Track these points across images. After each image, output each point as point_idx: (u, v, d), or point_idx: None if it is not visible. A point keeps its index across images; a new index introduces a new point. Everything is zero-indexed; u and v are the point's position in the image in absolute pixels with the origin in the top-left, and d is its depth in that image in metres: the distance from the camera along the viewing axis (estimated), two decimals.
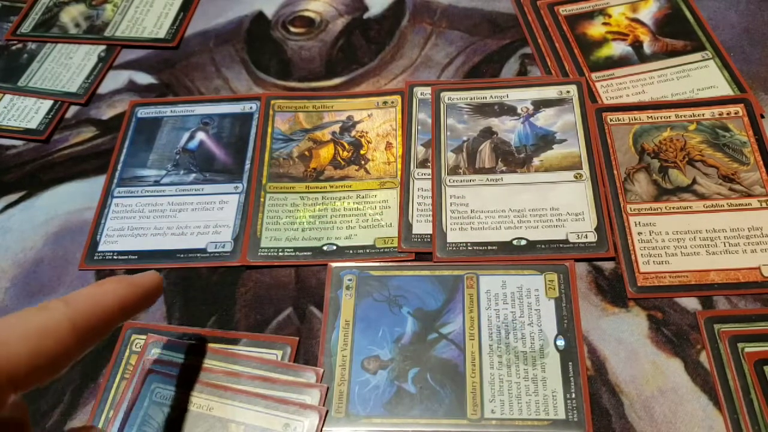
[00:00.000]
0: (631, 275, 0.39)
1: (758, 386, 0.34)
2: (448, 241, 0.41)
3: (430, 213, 0.43)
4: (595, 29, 0.52)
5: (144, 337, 0.39)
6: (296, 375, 0.37)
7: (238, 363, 0.37)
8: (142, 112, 0.51)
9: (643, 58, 0.49)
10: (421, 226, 0.42)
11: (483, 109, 0.47)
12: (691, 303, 0.38)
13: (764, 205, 0.41)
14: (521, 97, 0.48)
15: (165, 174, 0.47)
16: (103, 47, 0.56)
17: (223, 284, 0.42)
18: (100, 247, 0.44)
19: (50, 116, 0.52)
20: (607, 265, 0.40)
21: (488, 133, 0.46)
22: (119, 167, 0.48)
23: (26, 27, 0.58)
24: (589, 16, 0.53)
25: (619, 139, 0.45)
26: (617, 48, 0.50)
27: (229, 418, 0.35)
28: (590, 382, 0.36)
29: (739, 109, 0.45)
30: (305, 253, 0.42)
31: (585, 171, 0.43)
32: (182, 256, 0.43)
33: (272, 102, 0.50)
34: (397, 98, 0.49)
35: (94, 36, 0.57)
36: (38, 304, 0.24)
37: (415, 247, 0.42)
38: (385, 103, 0.49)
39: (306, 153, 0.47)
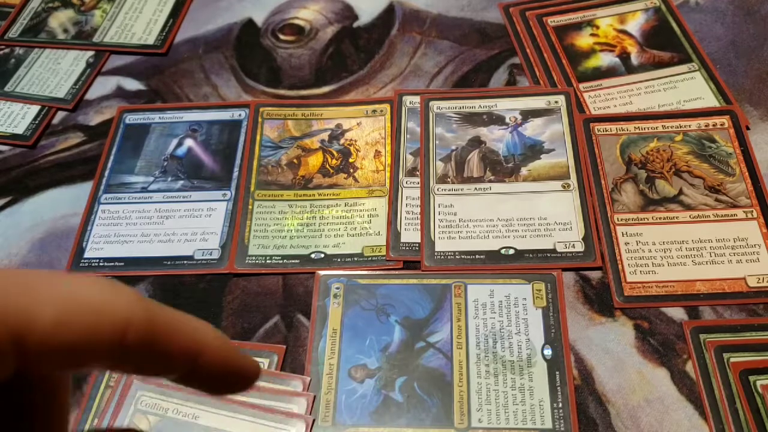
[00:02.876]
0: (618, 285, 0.39)
1: (743, 396, 0.34)
2: (436, 249, 0.41)
3: (419, 221, 0.43)
4: (583, 40, 0.52)
5: None
6: (283, 383, 0.37)
7: None
8: (130, 119, 0.51)
9: (630, 70, 0.50)
10: (410, 234, 0.42)
11: (472, 119, 0.47)
12: (677, 313, 0.38)
13: (749, 216, 0.41)
14: (510, 106, 0.48)
15: (153, 181, 0.47)
16: (91, 53, 0.56)
17: (210, 292, 0.41)
18: (87, 254, 0.43)
19: (37, 122, 0.51)
20: (594, 275, 0.40)
21: (477, 142, 0.46)
22: (106, 173, 0.48)
23: (14, 32, 0.58)
24: (578, 27, 0.53)
25: (607, 149, 0.45)
26: (605, 59, 0.51)
27: (215, 426, 0.35)
28: (577, 391, 0.36)
29: (725, 120, 0.45)
30: (293, 261, 0.42)
31: (573, 181, 0.43)
32: (169, 263, 0.43)
33: (261, 109, 0.50)
34: (386, 107, 0.49)
35: (82, 41, 0.57)
36: None
37: (403, 255, 0.42)
38: (374, 111, 0.49)
39: (295, 161, 0.47)
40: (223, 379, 0.21)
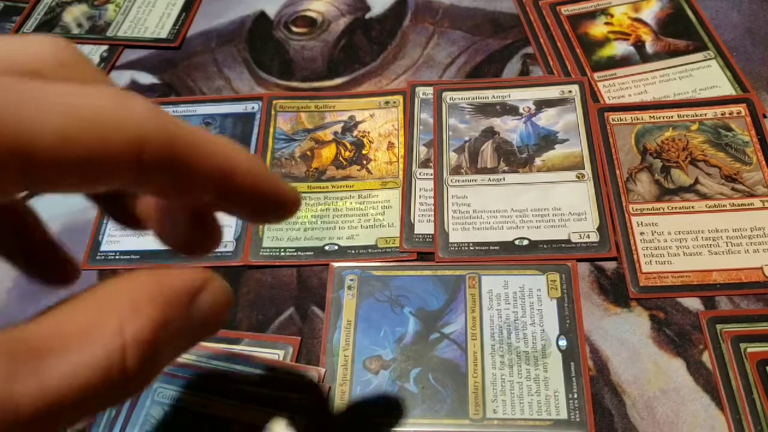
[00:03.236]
0: (633, 275, 0.39)
1: (760, 386, 0.34)
2: (450, 241, 0.41)
3: (432, 213, 0.43)
4: (597, 29, 0.52)
5: None
6: (298, 375, 0.37)
7: (240, 363, 0.37)
8: None
9: (645, 58, 0.49)
10: (423, 226, 0.42)
11: (485, 109, 0.47)
12: (693, 303, 0.38)
13: (767, 205, 0.41)
14: (523, 96, 0.48)
15: None
16: (105, 47, 0.56)
17: None
18: (103, 247, 0.44)
19: None
20: (609, 265, 0.40)
21: (490, 133, 0.46)
22: None
23: (29, 27, 0.58)
24: (591, 15, 0.53)
25: (621, 139, 0.44)
26: (619, 48, 0.50)
27: (232, 417, 0.35)
28: (592, 382, 0.36)
29: (741, 108, 0.45)
30: (307, 253, 0.42)
31: (587, 171, 0.43)
32: (184, 256, 0.43)
33: (274, 102, 0.50)
34: (399, 98, 0.49)
35: (96, 36, 0.57)
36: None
37: (416, 247, 0.42)
38: (387, 103, 0.49)
39: (308, 153, 0.47)
40: (264, 203, 0.19)
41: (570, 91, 0.47)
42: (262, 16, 0.57)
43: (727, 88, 0.46)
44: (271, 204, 0.20)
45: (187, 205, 0.21)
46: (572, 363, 0.36)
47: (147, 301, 0.16)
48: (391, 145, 0.47)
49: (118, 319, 0.15)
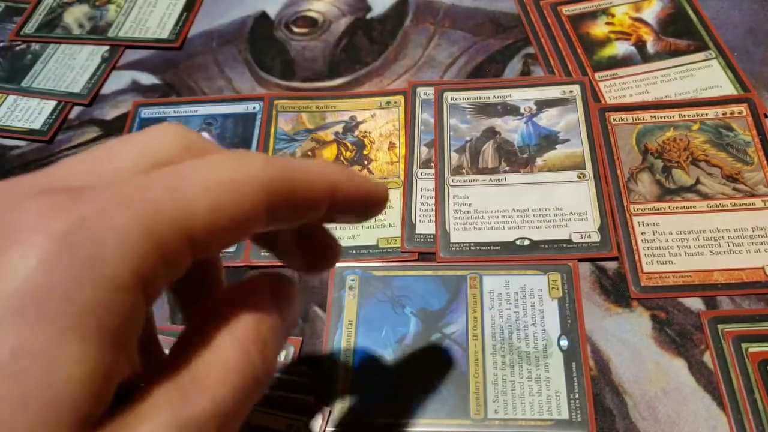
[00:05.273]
0: (634, 275, 0.39)
1: (762, 386, 0.34)
2: (451, 241, 0.41)
3: (433, 213, 0.43)
4: (599, 29, 0.52)
5: None
6: (299, 375, 0.37)
7: None
8: (146, 113, 0.51)
9: (646, 58, 0.49)
10: (424, 226, 0.42)
11: (486, 109, 0.47)
12: (694, 303, 0.38)
13: None
14: (524, 97, 0.48)
15: None
16: (106, 48, 0.56)
17: None
18: None
19: (54, 117, 0.52)
20: (611, 265, 0.40)
21: (491, 133, 0.46)
22: None
23: (30, 28, 0.58)
24: (592, 15, 0.53)
25: (623, 138, 0.44)
26: (620, 48, 0.50)
27: None
28: (593, 382, 0.36)
29: (742, 108, 0.45)
30: None
31: (588, 171, 0.43)
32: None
33: (275, 102, 0.50)
34: (400, 98, 0.49)
35: (97, 36, 0.57)
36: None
37: (418, 247, 0.42)
38: (388, 103, 0.49)
39: (309, 153, 0.47)
40: (362, 206, 0.23)
41: (571, 91, 0.47)
42: (263, 16, 0.57)
43: (728, 88, 0.46)
44: (370, 202, 0.23)
45: (301, 228, 0.24)
46: (573, 363, 0.36)
47: (245, 310, 0.19)
48: (392, 146, 0.47)
49: (231, 330, 0.19)
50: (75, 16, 0.59)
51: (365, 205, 0.23)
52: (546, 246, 0.40)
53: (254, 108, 0.50)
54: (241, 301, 0.19)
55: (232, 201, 0.17)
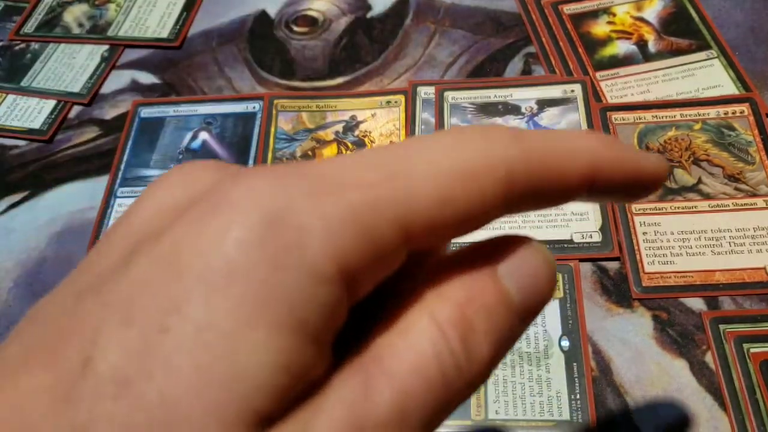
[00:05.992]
0: (635, 275, 0.39)
1: (763, 387, 0.34)
2: (452, 241, 0.41)
3: None
4: (600, 28, 0.51)
5: None
6: None
7: None
8: (145, 112, 0.51)
9: (647, 57, 0.49)
10: None
11: (487, 109, 0.47)
12: (696, 303, 0.38)
13: None
14: (525, 96, 0.47)
15: None
16: (106, 47, 0.56)
17: None
18: None
19: (53, 116, 0.52)
20: (612, 265, 0.40)
21: None
22: (122, 167, 0.48)
23: (29, 27, 0.58)
24: (594, 14, 0.52)
25: (624, 138, 0.44)
26: (622, 47, 0.50)
27: None
28: (595, 382, 0.36)
29: (744, 108, 0.45)
30: None
31: None
32: None
33: (275, 102, 0.50)
34: (401, 98, 0.49)
35: (97, 36, 0.57)
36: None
37: None
38: (388, 102, 0.49)
39: (309, 153, 0.47)
40: (629, 187, 0.18)
41: (572, 91, 0.47)
42: (263, 15, 0.57)
43: (730, 88, 0.46)
44: (642, 183, 0.18)
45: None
46: (575, 364, 0.36)
47: (446, 284, 0.16)
48: None
49: (427, 310, 0.15)
50: (74, 15, 0.59)
51: (634, 186, 0.18)
52: (547, 246, 0.40)
53: (254, 107, 0.50)
54: (446, 270, 0.16)
55: (464, 193, 0.15)
